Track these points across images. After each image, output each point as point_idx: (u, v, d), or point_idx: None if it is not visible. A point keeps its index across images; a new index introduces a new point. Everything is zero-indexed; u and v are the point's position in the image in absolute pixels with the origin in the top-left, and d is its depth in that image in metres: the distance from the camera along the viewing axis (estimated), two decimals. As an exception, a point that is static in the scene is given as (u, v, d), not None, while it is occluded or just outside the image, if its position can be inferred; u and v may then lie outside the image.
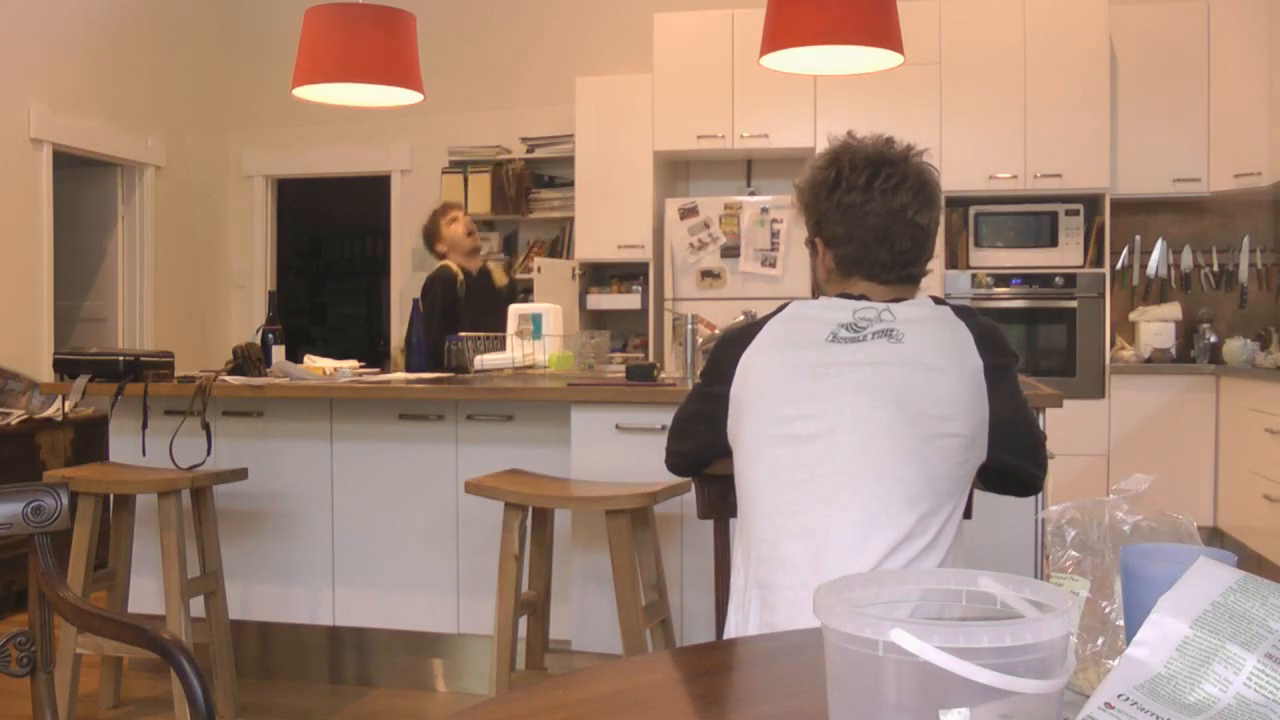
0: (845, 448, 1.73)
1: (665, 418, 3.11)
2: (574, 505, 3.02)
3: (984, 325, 1.83)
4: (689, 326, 3.64)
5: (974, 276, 5.78)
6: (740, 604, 1.82)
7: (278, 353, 3.85)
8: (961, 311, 1.84)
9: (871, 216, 1.85)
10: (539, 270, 5.69)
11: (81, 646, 3.21)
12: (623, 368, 4.03)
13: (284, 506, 3.78)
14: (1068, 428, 5.24)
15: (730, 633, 1.85)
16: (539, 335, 4.26)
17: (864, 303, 1.84)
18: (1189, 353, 5.90)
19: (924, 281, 1.95)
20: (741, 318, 3.64)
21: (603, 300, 6.36)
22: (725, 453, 1.91)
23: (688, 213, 5.97)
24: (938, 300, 1.87)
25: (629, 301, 6.32)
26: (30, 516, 1.53)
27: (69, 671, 3.22)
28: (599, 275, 6.50)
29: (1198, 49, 5.69)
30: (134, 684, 3.71)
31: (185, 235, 7.04)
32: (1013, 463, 1.84)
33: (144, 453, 3.69)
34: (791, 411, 1.78)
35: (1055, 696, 0.80)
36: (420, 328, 4.10)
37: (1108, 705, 0.86)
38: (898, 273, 1.88)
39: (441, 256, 5.02)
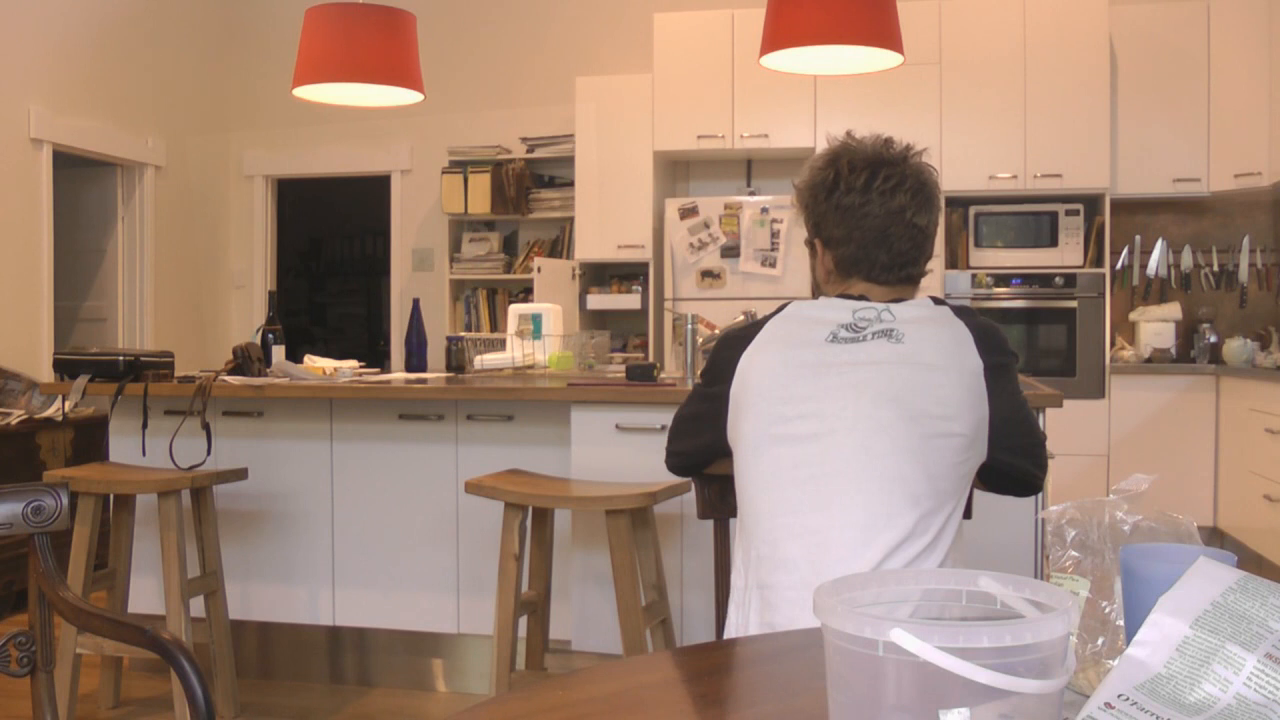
0: (846, 447, 1.73)
1: (665, 418, 3.12)
2: (574, 505, 3.02)
3: (983, 325, 1.83)
4: (689, 326, 3.64)
5: (974, 276, 5.78)
6: (740, 604, 1.82)
7: (278, 353, 3.86)
8: (961, 311, 1.84)
9: (870, 218, 1.85)
10: (539, 270, 5.69)
11: (81, 646, 3.21)
12: (623, 368, 4.03)
13: (284, 506, 3.78)
14: (1068, 428, 5.25)
15: (730, 633, 1.85)
16: (539, 335, 4.26)
17: (864, 303, 1.84)
18: (1189, 353, 5.90)
19: (924, 281, 1.95)
20: (741, 318, 3.64)
21: (603, 300, 6.35)
22: (725, 453, 1.91)
23: (688, 213, 5.97)
24: (937, 300, 1.86)
25: (629, 301, 6.32)
26: (30, 516, 1.53)
27: (69, 671, 3.22)
28: (599, 275, 6.50)
29: (1198, 49, 5.69)
30: (134, 684, 3.71)
31: (185, 235, 7.04)
32: (1013, 462, 1.84)
33: (144, 453, 3.69)
34: (791, 411, 1.77)
35: (1055, 696, 0.80)
36: (421, 327, 4.10)
37: (1108, 705, 0.86)
38: (897, 274, 1.88)
39: None
